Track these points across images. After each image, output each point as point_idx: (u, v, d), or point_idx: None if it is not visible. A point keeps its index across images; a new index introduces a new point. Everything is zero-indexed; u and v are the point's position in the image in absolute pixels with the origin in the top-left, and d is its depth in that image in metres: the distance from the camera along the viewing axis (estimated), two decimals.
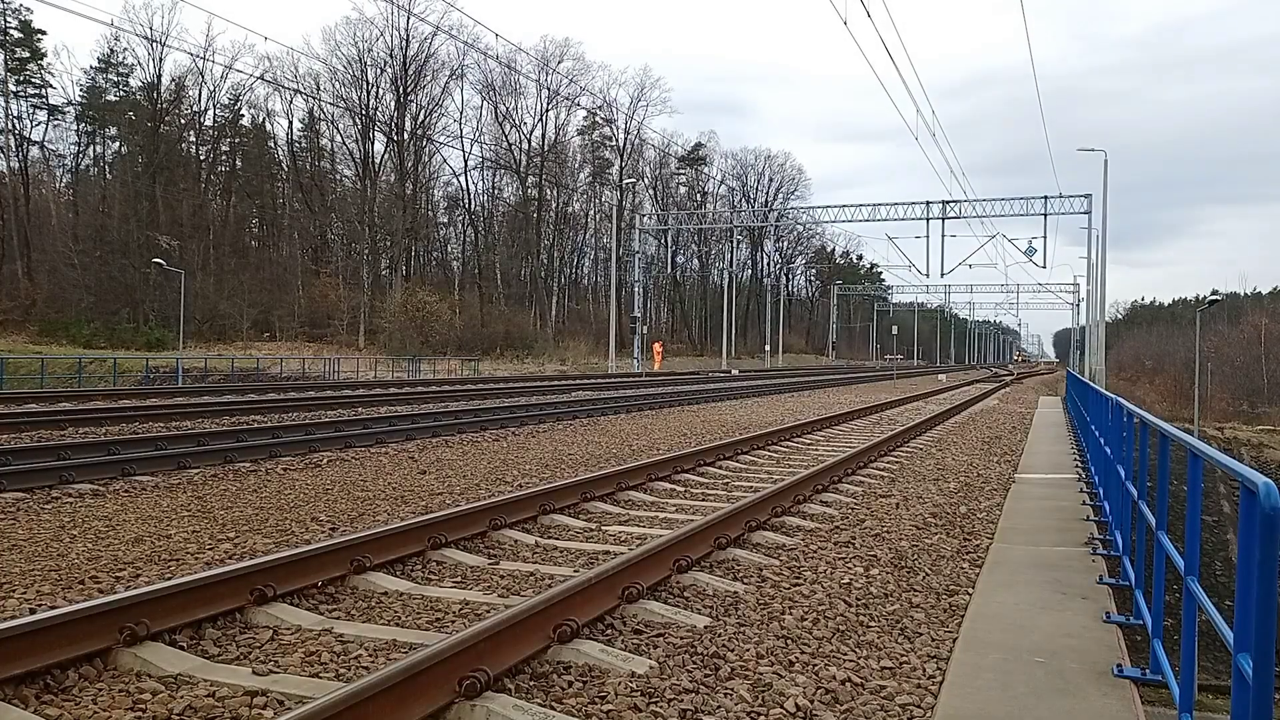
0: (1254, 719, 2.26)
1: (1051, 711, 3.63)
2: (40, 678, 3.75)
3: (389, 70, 67.97)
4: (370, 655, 4.21)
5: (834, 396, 30.32)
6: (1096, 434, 9.58)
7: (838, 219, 57.29)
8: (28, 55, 59.32)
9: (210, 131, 67.16)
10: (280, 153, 72.71)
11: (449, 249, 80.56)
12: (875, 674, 4.14)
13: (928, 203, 48.95)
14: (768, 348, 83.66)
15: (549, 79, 72.35)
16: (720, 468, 11.17)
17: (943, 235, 48.50)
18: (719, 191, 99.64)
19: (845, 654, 4.37)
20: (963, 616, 5.00)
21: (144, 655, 4.03)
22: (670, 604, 5.10)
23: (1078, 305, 72.45)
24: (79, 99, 62.49)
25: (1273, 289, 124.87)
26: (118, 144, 63.68)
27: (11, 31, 57.76)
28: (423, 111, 70.71)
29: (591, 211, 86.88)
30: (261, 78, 64.51)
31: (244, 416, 15.97)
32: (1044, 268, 62.70)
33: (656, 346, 58.34)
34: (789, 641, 4.51)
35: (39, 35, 58.98)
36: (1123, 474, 6.15)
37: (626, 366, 53.03)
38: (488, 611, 4.88)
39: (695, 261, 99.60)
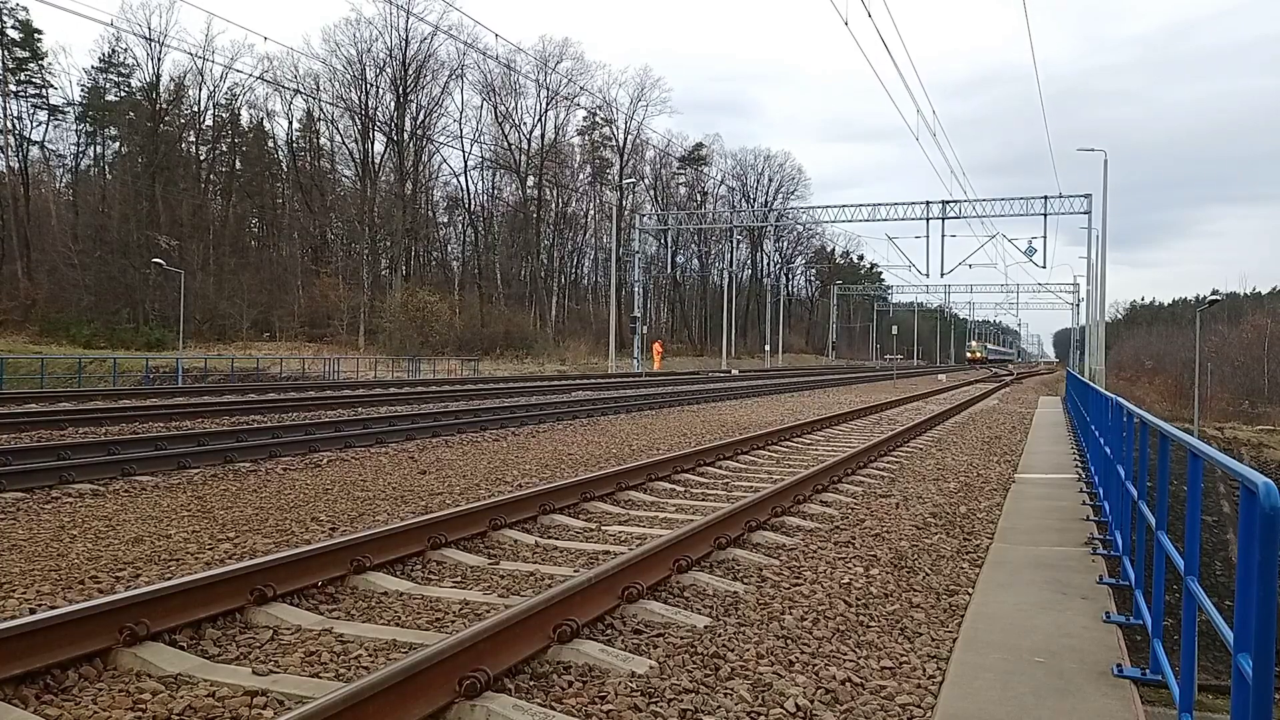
0: (1254, 719, 2.26)
1: (1051, 711, 3.63)
2: (40, 678, 3.75)
3: (389, 70, 68.03)
4: (370, 655, 4.21)
5: (834, 396, 30.31)
6: (1096, 434, 9.58)
7: (838, 219, 57.34)
8: (28, 55, 59.34)
9: (210, 131, 67.25)
10: (280, 153, 72.74)
11: (449, 249, 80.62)
12: (875, 674, 4.13)
13: (928, 203, 48.98)
14: (767, 348, 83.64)
15: (548, 79, 72.44)
16: (720, 468, 11.17)
17: (943, 235, 48.53)
18: (719, 191, 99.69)
19: (845, 654, 4.37)
20: (963, 616, 5.00)
21: (144, 655, 4.03)
22: (670, 604, 5.10)
23: (1078, 305, 72.53)
24: (79, 99, 62.62)
25: (1273, 289, 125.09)
26: (118, 144, 63.69)
27: (11, 32, 57.83)
28: (422, 112, 70.77)
29: (591, 211, 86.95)
30: (261, 78, 64.68)
31: (244, 416, 15.97)
32: (1044, 268, 62.90)
33: (656, 346, 58.33)
34: (789, 641, 4.51)
35: (39, 35, 59.09)
36: (1123, 474, 6.15)
37: (626, 366, 53.02)
38: (488, 611, 4.88)
39: (695, 261, 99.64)
